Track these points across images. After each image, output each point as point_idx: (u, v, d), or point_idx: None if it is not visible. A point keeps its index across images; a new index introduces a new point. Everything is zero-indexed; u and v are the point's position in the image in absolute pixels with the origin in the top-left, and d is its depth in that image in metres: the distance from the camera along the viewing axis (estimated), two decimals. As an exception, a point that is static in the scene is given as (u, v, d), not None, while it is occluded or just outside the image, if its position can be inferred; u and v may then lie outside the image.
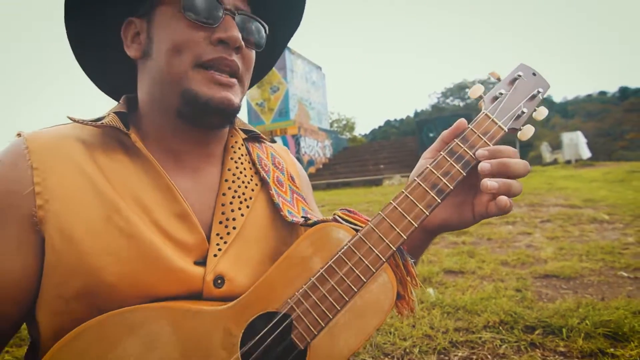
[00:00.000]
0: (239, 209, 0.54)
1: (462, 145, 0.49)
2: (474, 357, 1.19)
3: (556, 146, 14.41)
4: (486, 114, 0.51)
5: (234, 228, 0.52)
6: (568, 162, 11.05)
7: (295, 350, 0.45)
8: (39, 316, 0.46)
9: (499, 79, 0.55)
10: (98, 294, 0.45)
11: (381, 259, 0.46)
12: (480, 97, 0.53)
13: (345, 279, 0.45)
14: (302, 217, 0.56)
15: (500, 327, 1.34)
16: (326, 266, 0.46)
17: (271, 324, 0.45)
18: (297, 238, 0.54)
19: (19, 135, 0.50)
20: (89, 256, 0.44)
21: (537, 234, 2.99)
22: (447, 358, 1.20)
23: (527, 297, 1.62)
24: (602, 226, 3.08)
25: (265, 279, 0.47)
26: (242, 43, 0.51)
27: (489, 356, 1.18)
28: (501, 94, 0.53)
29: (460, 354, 1.21)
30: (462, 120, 0.52)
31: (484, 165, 0.47)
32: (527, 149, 32.52)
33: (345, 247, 0.46)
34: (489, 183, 0.46)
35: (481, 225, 3.39)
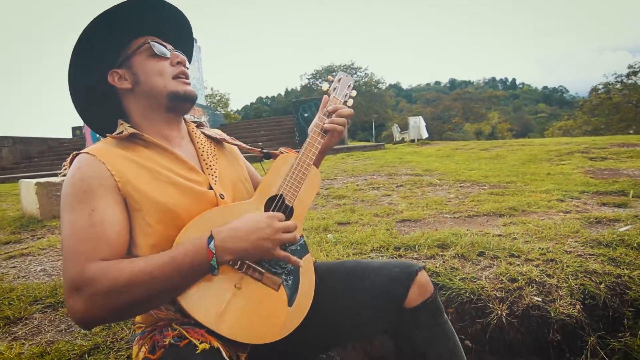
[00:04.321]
0: (212, 160, 1.00)
1: (327, 111, 1.09)
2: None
3: (404, 127, 17.01)
4: (334, 97, 1.12)
5: (216, 170, 0.98)
6: (412, 140, 13.37)
7: (288, 207, 0.96)
8: (139, 240, 0.82)
9: (332, 80, 1.17)
10: (168, 216, 0.84)
11: (310, 163, 1.01)
12: (327, 89, 1.15)
13: (299, 173, 0.99)
14: (259, 148, 1.13)
15: (380, 249, 2.04)
16: (290, 170, 0.99)
17: (275, 200, 0.95)
18: (244, 169, 1.10)
19: (77, 154, 0.86)
20: (155, 198, 0.83)
21: (395, 195, 3.94)
22: (351, 269, 1.81)
23: (393, 233, 2.38)
24: (435, 188, 4.23)
25: (264, 182, 0.97)
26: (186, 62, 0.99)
27: (375, 265, 1.85)
28: (336, 87, 1.14)
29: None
30: (326, 97, 1.11)
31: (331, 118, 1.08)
32: (381, 129, 37.20)
33: (296, 160, 1.00)
34: (326, 125, 1.05)
35: (355, 192, 4.23)
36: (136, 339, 0.81)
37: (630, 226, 2.19)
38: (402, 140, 15.06)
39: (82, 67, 0.90)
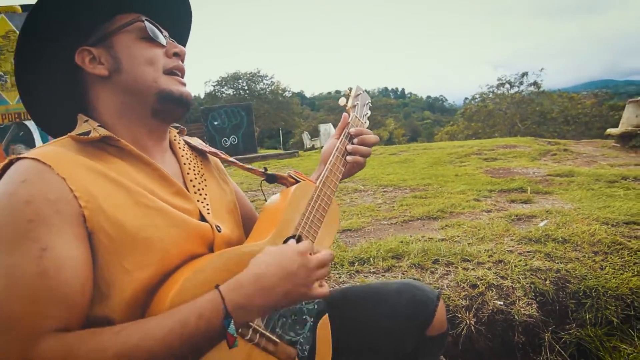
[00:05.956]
0: (201, 182, 0.77)
1: (349, 133, 0.92)
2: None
3: (313, 134, 17.36)
4: (356, 116, 0.96)
5: (206, 194, 0.75)
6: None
7: None
8: (112, 293, 0.56)
9: (349, 94, 1.01)
10: (155, 259, 0.60)
11: (331, 197, 0.84)
12: (346, 106, 0.98)
13: (319, 209, 0.81)
14: (263, 168, 0.90)
15: (335, 265, 1.90)
16: (310, 204, 0.80)
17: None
18: (233, 195, 0.86)
19: (18, 158, 0.57)
20: (137, 232, 0.58)
21: (325, 204, 3.87)
22: (311, 293, 1.64)
23: (340, 246, 2.27)
24: (361, 194, 4.28)
25: (281, 216, 0.76)
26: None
27: (335, 285, 1.70)
28: (356, 104, 0.98)
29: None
30: (345, 115, 0.94)
31: (352, 144, 0.91)
32: (288, 136, 37.52)
33: (316, 192, 0.82)
34: (347, 158, 0.89)
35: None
36: None
37: (546, 221, 2.43)
38: (313, 147, 15.31)
39: (41, 36, 0.65)
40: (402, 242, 2.17)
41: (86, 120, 0.66)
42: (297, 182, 0.85)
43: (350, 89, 1.01)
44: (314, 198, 0.81)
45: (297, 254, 0.64)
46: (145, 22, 0.69)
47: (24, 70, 0.67)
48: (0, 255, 0.50)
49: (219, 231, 0.70)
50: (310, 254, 0.66)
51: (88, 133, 0.63)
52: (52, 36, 0.66)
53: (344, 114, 0.96)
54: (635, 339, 1.47)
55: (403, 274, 1.75)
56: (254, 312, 0.59)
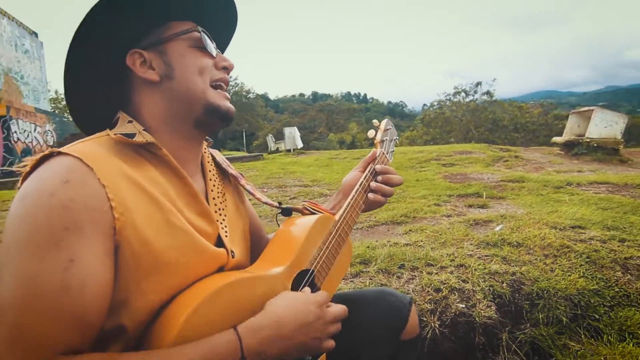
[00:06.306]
0: (222, 202, 0.76)
1: (375, 170, 0.92)
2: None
3: (277, 137, 17.26)
4: (383, 152, 0.96)
5: (225, 216, 0.75)
6: (288, 150, 13.65)
7: (316, 288, 0.77)
8: (122, 315, 0.55)
9: (378, 127, 1.01)
10: (172, 282, 0.59)
11: (348, 232, 0.84)
12: (374, 139, 0.98)
13: (335, 245, 0.80)
14: (277, 202, 0.89)
15: (304, 273, 1.91)
16: (328, 238, 0.79)
17: (305, 277, 0.74)
18: (247, 216, 0.85)
19: (59, 152, 0.55)
20: (162, 254, 0.57)
21: (291, 208, 3.87)
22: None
23: (308, 252, 2.28)
24: (326, 198, 4.32)
25: (301, 249, 0.74)
26: None
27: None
28: (384, 139, 0.99)
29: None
30: (375, 151, 0.94)
31: (376, 181, 0.91)
32: (251, 138, 37.06)
33: (335, 227, 0.81)
34: (369, 195, 0.89)
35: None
36: None
37: (501, 225, 2.58)
38: (277, 150, 15.22)
39: (96, 33, 0.64)
40: (368, 247, 2.21)
41: (130, 121, 0.65)
42: (313, 212, 0.84)
43: (379, 122, 1.02)
44: (332, 233, 0.80)
45: (316, 305, 0.64)
46: (202, 33, 0.69)
47: (73, 65, 0.65)
48: (25, 258, 0.47)
49: (233, 256, 0.70)
50: (327, 307, 0.67)
51: (133, 135, 0.62)
52: (106, 35, 0.65)
53: (373, 149, 0.97)
54: (583, 337, 1.60)
55: (371, 279, 1.79)
56: (272, 354, 0.58)
